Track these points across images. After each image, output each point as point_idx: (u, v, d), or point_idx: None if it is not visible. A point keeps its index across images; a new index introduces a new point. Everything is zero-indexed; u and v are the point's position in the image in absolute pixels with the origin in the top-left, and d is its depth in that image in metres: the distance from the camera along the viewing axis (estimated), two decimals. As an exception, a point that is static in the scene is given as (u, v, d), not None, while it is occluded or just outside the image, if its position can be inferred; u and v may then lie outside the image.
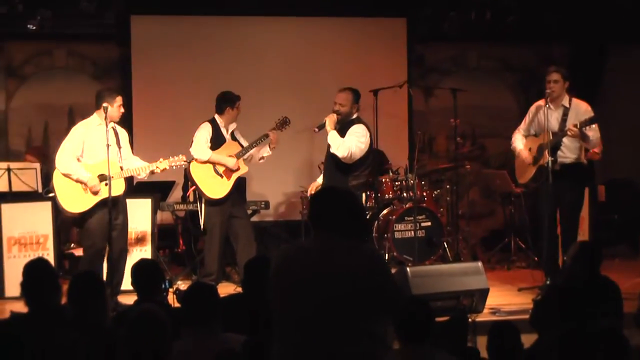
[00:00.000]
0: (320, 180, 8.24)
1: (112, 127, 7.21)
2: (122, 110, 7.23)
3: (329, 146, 7.67)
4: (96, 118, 7.24)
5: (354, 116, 7.71)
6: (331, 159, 7.65)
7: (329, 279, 3.55)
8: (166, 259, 9.11)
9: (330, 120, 7.62)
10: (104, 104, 7.11)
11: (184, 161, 7.52)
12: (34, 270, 4.49)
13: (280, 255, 3.87)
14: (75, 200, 7.16)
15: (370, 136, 7.69)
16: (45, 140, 10.21)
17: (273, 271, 3.79)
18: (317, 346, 3.53)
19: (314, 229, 3.76)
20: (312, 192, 8.24)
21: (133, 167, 7.27)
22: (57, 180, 7.20)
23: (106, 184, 6.98)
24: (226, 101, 8.09)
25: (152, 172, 7.39)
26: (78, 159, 7.18)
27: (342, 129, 7.60)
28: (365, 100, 8.10)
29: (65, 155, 7.16)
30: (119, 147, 7.19)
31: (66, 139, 7.26)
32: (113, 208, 7.06)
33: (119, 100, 7.19)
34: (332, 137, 7.57)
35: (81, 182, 7.11)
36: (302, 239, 8.85)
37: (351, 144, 7.52)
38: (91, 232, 7.21)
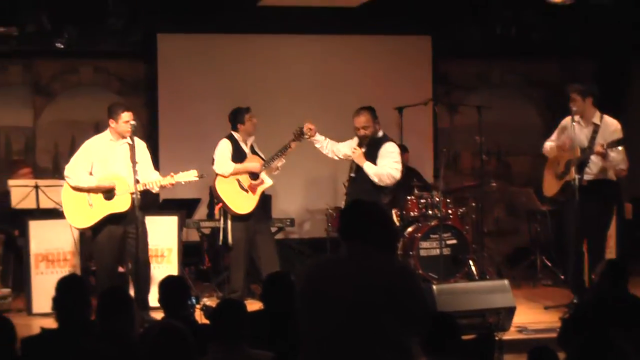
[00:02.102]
0: None
1: (127, 142, 7.22)
2: (132, 124, 7.14)
3: (356, 165, 7.67)
4: (108, 133, 7.30)
5: (380, 133, 7.69)
6: (365, 178, 7.64)
7: (359, 290, 3.53)
8: (192, 276, 9.12)
9: (358, 159, 7.64)
10: (110, 121, 7.18)
11: (195, 176, 7.40)
12: (67, 285, 4.53)
13: (310, 267, 3.87)
14: (81, 216, 7.23)
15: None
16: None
17: (303, 282, 3.76)
18: (346, 358, 3.51)
19: (344, 240, 3.74)
20: None
21: (146, 181, 7.22)
22: (65, 194, 7.29)
23: (107, 199, 7.12)
24: (235, 118, 8.11)
25: (163, 187, 7.38)
26: (90, 173, 7.23)
27: (372, 148, 7.57)
28: (390, 117, 8.10)
29: (74, 169, 7.23)
30: (133, 163, 7.10)
31: (76, 154, 7.35)
32: (122, 222, 7.12)
33: (124, 116, 7.16)
34: (369, 168, 7.60)
35: (93, 190, 7.15)
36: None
37: (390, 169, 7.58)
38: (99, 249, 7.28)
